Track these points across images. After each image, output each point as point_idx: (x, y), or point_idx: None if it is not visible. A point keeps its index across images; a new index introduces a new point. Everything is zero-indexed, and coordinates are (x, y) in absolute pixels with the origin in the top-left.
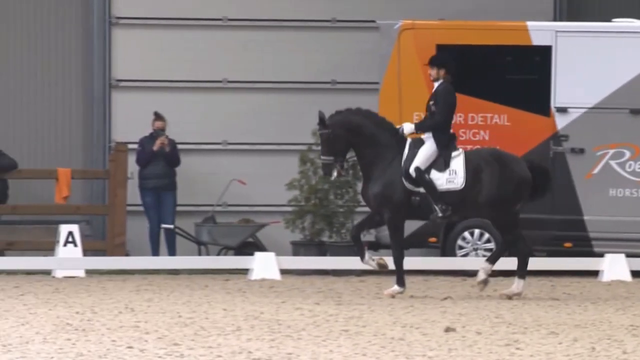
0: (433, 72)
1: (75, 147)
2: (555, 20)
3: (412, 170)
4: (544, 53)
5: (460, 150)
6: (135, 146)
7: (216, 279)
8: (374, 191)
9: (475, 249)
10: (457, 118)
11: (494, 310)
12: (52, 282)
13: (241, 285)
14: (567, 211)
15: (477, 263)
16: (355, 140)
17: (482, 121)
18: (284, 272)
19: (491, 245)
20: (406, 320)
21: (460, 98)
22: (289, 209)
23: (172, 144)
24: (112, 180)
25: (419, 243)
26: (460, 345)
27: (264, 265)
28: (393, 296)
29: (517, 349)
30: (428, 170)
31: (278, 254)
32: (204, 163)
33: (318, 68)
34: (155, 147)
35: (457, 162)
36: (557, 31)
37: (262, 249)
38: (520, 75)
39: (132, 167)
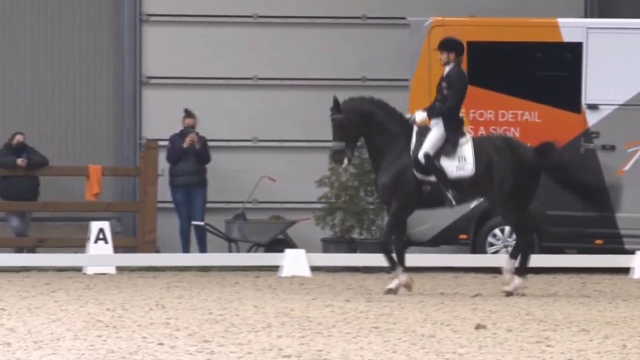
0: (443, 56)
1: (106, 144)
2: (586, 16)
3: (420, 156)
4: (575, 50)
5: (468, 136)
6: (165, 143)
7: (246, 276)
8: (383, 181)
9: (506, 246)
10: (488, 115)
11: (525, 308)
12: (83, 279)
13: (271, 282)
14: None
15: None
16: (367, 127)
17: (513, 118)
18: (314, 269)
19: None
20: (437, 317)
21: (491, 95)
22: (319, 205)
23: (203, 141)
24: (142, 177)
25: (449, 240)
26: (491, 343)
27: (294, 262)
28: (409, 287)
29: (548, 346)
30: (437, 158)
31: (308, 250)
32: (234, 160)
33: (348, 65)
34: (185, 144)
35: (466, 148)
36: (588, 28)
37: (292, 245)
38: (550, 72)
39: (163, 164)
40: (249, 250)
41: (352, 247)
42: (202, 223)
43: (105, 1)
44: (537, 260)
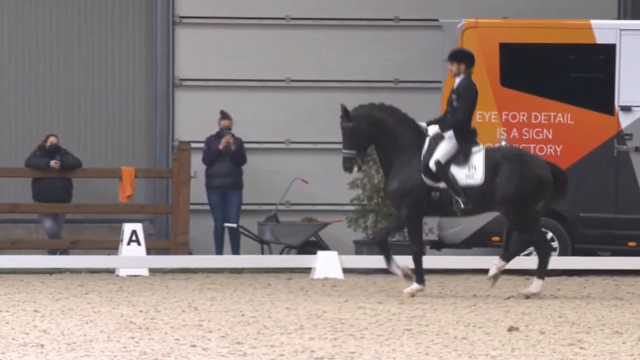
0: (453, 67)
1: (139, 146)
2: (619, 18)
3: (431, 164)
4: (608, 51)
5: (481, 146)
6: (198, 145)
7: (279, 278)
8: (393, 187)
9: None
10: (521, 117)
11: (557, 310)
12: (116, 281)
13: (304, 284)
14: (631, 210)
15: None
16: (377, 134)
17: (546, 120)
18: (346, 270)
19: (554, 244)
20: (469, 319)
21: (524, 97)
22: (352, 207)
23: (239, 142)
24: (175, 179)
25: (482, 242)
26: (524, 345)
27: (327, 264)
28: (413, 294)
29: (581, 348)
30: (448, 165)
31: (340, 252)
32: (267, 162)
33: (381, 67)
34: (221, 146)
35: (478, 158)
36: (621, 29)
37: (324, 247)
38: (583, 73)
39: (195, 166)
40: (281, 252)
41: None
42: (234, 225)
43: (138, 3)
44: (569, 262)
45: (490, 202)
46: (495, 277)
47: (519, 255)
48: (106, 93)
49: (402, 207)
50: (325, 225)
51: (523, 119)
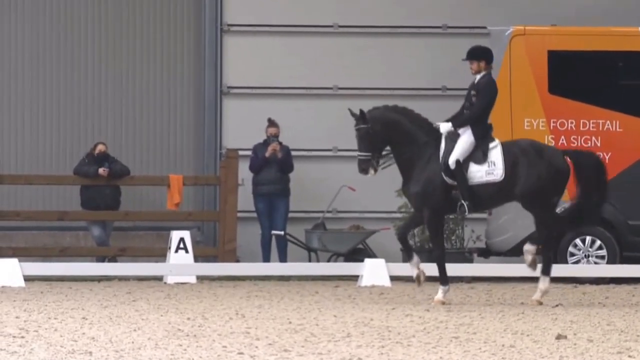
0: (473, 65)
1: (187, 154)
2: None
3: (451, 162)
4: None
5: (497, 141)
6: (246, 152)
7: (326, 285)
8: (415, 190)
9: (587, 256)
10: (569, 124)
11: (606, 318)
12: (164, 288)
13: (351, 291)
14: None
15: (589, 270)
16: (393, 136)
17: (594, 127)
18: (393, 278)
19: (603, 252)
20: (517, 327)
21: (572, 104)
22: (399, 215)
23: (286, 150)
24: (223, 186)
25: None
26: (572, 353)
27: (374, 271)
28: (443, 302)
29: (630, 357)
30: (466, 164)
31: (388, 260)
32: (314, 169)
33: (429, 74)
34: (268, 154)
35: (496, 153)
36: None
37: (372, 255)
38: (633, 80)
39: (243, 173)
40: (328, 260)
41: (432, 256)
42: (281, 232)
43: (186, 11)
44: (618, 270)
45: (509, 195)
46: (534, 263)
47: (551, 255)
48: (154, 101)
49: (424, 210)
50: (372, 232)
51: (571, 127)
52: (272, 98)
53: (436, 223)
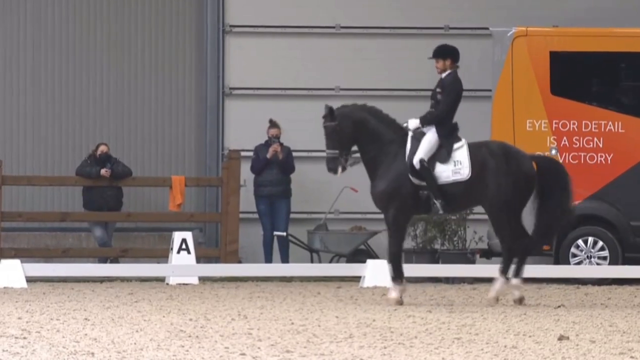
0: (439, 64)
1: (189, 155)
2: None
3: (415, 161)
4: None
5: (464, 140)
6: (248, 154)
7: (328, 286)
8: (380, 189)
9: (589, 257)
10: (571, 125)
11: (608, 319)
12: (166, 289)
13: (353, 292)
14: None
15: (591, 271)
16: (359, 135)
17: (597, 128)
18: None
19: (605, 253)
20: (519, 328)
21: (575, 105)
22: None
23: (287, 151)
24: (225, 187)
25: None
26: (574, 354)
27: (376, 272)
28: (400, 301)
29: (632, 357)
30: (432, 163)
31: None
32: (316, 170)
33: (431, 75)
34: (269, 155)
35: (461, 152)
36: None
37: (374, 256)
38: (635, 82)
39: (245, 174)
40: (330, 261)
41: (434, 257)
42: (284, 234)
43: (188, 12)
44: (620, 271)
45: (477, 197)
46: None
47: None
48: (156, 102)
49: (388, 209)
50: (374, 233)
51: (573, 128)
52: (273, 99)
53: (400, 221)
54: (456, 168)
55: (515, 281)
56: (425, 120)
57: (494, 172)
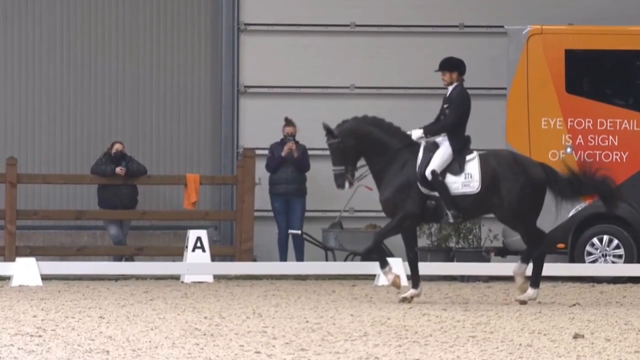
0: (446, 77)
1: (204, 153)
2: None
3: (428, 173)
4: None
5: (475, 153)
6: (263, 152)
7: (343, 285)
8: (386, 197)
9: (604, 255)
10: (586, 123)
11: (623, 317)
12: (181, 287)
13: (368, 290)
14: None
15: (607, 269)
16: (365, 148)
17: (612, 127)
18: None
19: (620, 251)
20: (534, 326)
21: (589, 103)
22: None
23: (302, 149)
24: (240, 186)
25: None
26: (589, 352)
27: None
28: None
29: None
30: (443, 174)
31: (405, 259)
32: (331, 169)
33: None
34: (284, 153)
35: (473, 165)
36: None
37: (389, 254)
38: None
39: (260, 172)
40: (345, 259)
41: (448, 255)
42: (298, 232)
43: (203, 11)
44: (636, 269)
45: (487, 206)
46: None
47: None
48: (171, 100)
49: (395, 217)
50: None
51: (589, 126)
52: (289, 97)
53: (405, 224)
54: (466, 180)
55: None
56: (430, 131)
57: (503, 182)
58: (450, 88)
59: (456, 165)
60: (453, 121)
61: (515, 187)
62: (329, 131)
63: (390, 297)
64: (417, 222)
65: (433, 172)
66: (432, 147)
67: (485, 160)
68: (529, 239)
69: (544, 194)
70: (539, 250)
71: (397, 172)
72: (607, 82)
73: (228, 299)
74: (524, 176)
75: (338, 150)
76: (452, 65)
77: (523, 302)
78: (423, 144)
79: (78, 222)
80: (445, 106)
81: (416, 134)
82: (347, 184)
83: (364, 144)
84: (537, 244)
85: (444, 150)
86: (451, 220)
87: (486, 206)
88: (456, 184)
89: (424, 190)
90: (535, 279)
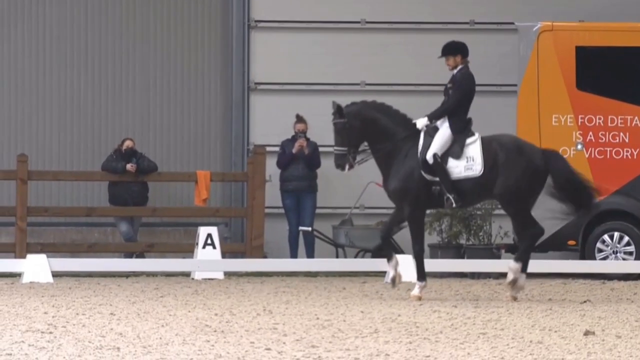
0: (449, 61)
1: (214, 150)
2: None
3: (429, 157)
4: None
5: (477, 135)
6: (273, 149)
7: (353, 281)
8: (393, 186)
9: (615, 252)
10: (597, 120)
11: (634, 314)
12: (192, 284)
13: (378, 287)
14: None
15: (617, 266)
16: (369, 133)
17: (622, 123)
18: None
19: (631, 248)
20: (545, 323)
21: (600, 100)
22: (427, 211)
23: (313, 146)
24: (250, 182)
25: (557, 246)
26: (600, 349)
27: (401, 267)
28: (420, 297)
29: None
30: (445, 159)
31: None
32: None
33: None
34: (295, 150)
35: (474, 148)
36: None
37: (399, 251)
38: None
39: (271, 169)
40: (356, 256)
41: (459, 252)
42: (309, 229)
43: (213, 8)
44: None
45: (489, 190)
46: (514, 282)
47: (531, 251)
48: (182, 97)
49: (403, 206)
50: (399, 229)
51: (599, 122)
52: (299, 94)
53: (417, 218)
54: (469, 164)
55: (513, 265)
56: (433, 116)
57: (504, 166)
58: (455, 71)
59: (457, 148)
60: (455, 102)
61: (515, 172)
62: (338, 110)
63: (401, 293)
64: (424, 210)
65: (434, 155)
66: (432, 132)
67: (488, 143)
68: (520, 225)
69: (543, 181)
70: (524, 244)
71: (402, 161)
72: (618, 78)
73: (238, 296)
74: (525, 162)
75: (343, 130)
76: (454, 49)
77: (514, 298)
78: (423, 129)
79: (89, 219)
80: (449, 86)
81: (421, 122)
82: (347, 166)
83: (370, 128)
84: (526, 234)
85: (442, 133)
86: (453, 205)
87: (489, 190)
88: (458, 167)
89: (427, 176)
90: (521, 256)
